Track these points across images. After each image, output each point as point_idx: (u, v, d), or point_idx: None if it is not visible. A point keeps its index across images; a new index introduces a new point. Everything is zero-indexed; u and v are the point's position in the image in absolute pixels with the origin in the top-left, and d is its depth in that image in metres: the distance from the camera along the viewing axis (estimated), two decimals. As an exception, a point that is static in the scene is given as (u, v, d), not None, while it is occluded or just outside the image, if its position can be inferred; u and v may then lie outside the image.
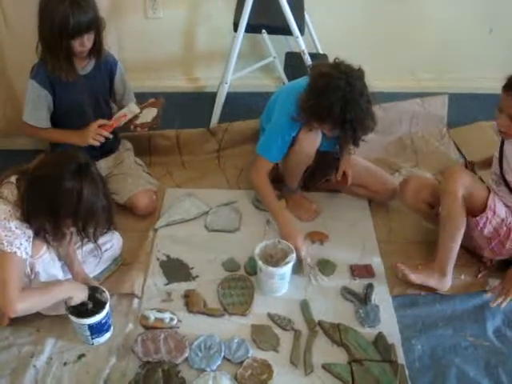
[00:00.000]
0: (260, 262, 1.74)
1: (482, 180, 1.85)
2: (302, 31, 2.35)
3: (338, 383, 1.56)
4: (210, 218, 2.09)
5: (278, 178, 2.14)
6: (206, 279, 1.86)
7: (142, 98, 2.20)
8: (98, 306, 1.59)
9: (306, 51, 2.40)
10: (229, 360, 1.59)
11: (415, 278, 1.79)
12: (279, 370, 1.58)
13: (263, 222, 2.09)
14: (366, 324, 1.71)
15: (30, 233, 1.46)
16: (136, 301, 1.76)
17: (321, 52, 2.70)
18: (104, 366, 1.57)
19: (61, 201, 1.41)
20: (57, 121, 2.00)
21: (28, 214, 1.43)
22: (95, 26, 1.83)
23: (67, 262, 1.69)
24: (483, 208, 1.74)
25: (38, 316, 1.65)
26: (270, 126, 2.00)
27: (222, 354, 1.60)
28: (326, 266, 1.91)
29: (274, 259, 1.82)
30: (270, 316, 1.74)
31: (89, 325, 1.57)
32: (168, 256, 1.94)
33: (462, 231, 1.74)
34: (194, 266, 1.91)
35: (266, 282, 1.78)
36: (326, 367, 1.59)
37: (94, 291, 1.62)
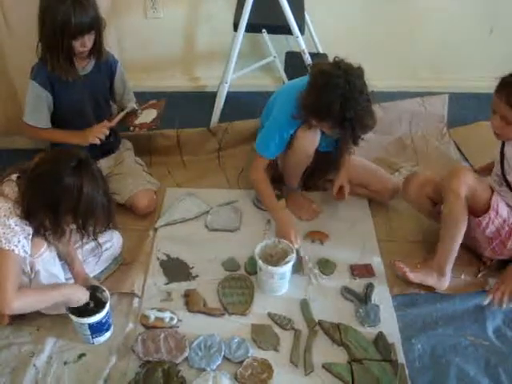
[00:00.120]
0: (260, 262, 1.74)
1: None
2: (302, 31, 2.35)
3: (338, 383, 1.56)
4: (210, 218, 2.09)
5: (278, 178, 2.14)
6: (206, 279, 1.86)
7: (141, 98, 2.21)
8: (99, 305, 1.59)
9: (306, 51, 2.40)
10: (229, 359, 1.59)
11: (414, 276, 1.80)
12: (279, 369, 1.58)
13: (263, 222, 2.09)
14: (366, 323, 1.71)
15: (29, 230, 1.46)
16: (136, 300, 1.76)
17: (321, 51, 2.70)
18: (104, 365, 1.57)
19: (61, 197, 1.41)
20: (57, 121, 2.00)
21: (28, 211, 1.44)
22: (96, 26, 1.83)
23: (67, 261, 1.69)
24: (486, 208, 1.74)
25: (38, 315, 1.65)
26: (268, 124, 2.01)
27: (222, 353, 1.60)
28: (326, 266, 1.91)
29: (274, 259, 1.82)
30: (270, 315, 1.74)
31: (89, 324, 1.57)
32: (168, 255, 1.94)
33: (463, 230, 1.74)
34: (194, 266, 1.91)
35: (266, 281, 1.78)
36: (326, 367, 1.59)
37: (94, 290, 1.62)
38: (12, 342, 1.62)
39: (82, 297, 1.57)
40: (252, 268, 1.87)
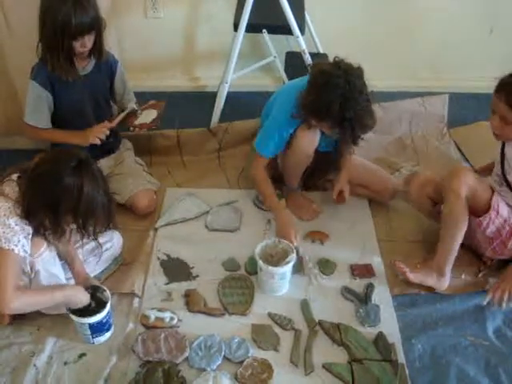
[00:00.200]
0: (260, 262, 1.74)
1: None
2: (302, 31, 2.35)
3: (338, 383, 1.56)
4: (210, 218, 2.09)
5: (278, 178, 2.14)
6: (206, 279, 1.86)
7: (142, 98, 2.21)
8: (100, 305, 1.59)
9: (306, 51, 2.41)
10: (229, 359, 1.60)
11: (413, 277, 1.80)
12: (279, 369, 1.58)
13: (264, 222, 2.09)
14: (367, 323, 1.71)
15: (29, 230, 1.46)
16: (136, 300, 1.77)
17: (321, 51, 2.70)
18: (104, 365, 1.57)
19: (61, 197, 1.41)
20: (57, 121, 2.00)
21: (28, 211, 1.44)
22: (96, 26, 1.83)
23: (68, 261, 1.69)
24: (486, 208, 1.74)
25: (38, 315, 1.65)
26: (267, 123, 2.01)
27: (223, 353, 1.60)
28: (326, 266, 1.91)
29: (275, 259, 1.82)
30: (271, 315, 1.74)
31: (89, 324, 1.57)
32: (168, 255, 1.95)
33: (463, 230, 1.74)
34: (195, 266, 1.91)
35: (267, 281, 1.78)
36: (327, 367, 1.59)
37: (95, 290, 1.63)
38: (12, 342, 1.62)
39: (82, 299, 1.57)
40: (252, 268, 1.87)
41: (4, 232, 1.41)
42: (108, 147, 2.13)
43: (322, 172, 2.20)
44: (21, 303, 1.45)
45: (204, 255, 1.94)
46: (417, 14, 2.74)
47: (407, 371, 1.58)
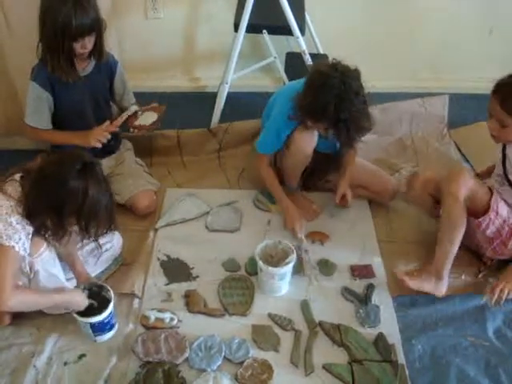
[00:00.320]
0: (260, 262, 1.74)
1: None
2: (302, 31, 2.35)
3: (338, 383, 1.56)
4: (210, 218, 2.09)
5: (278, 178, 2.14)
6: (206, 279, 1.86)
7: (142, 98, 2.21)
8: (103, 304, 1.60)
9: (306, 51, 2.40)
10: (229, 360, 1.60)
11: (412, 284, 1.77)
12: (279, 370, 1.58)
13: (264, 222, 2.09)
14: (367, 324, 1.71)
15: (30, 229, 1.46)
16: (136, 301, 1.76)
17: (321, 52, 2.70)
18: (104, 365, 1.57)
19: (65, 200, 1.42)
20: (57, 122, 2.00)
21: (31, 211, 1.44)
22: (97, 27, 1.83)
23: (69, 262, 1.69)
24: (485, 210, 1.74)
25: (38, 315, 1.65)
26: (268, 124, 2.03)
27: (223, 354, 1.60)
28: (326, 267, 1.91)
29: (275, 259, 1.82)
30: (271, 316, 1.74)
31: (91, 323, 1.57)
32: (168, 256, 1.94)
33: (462, 233, 1.74)
34: (195, 266, 1.91)
35: (267, 282, 1.78)
36: (327, 367, 1.59)
37: (99, 289, 1.63)
38: (12, 343, 1.62)
39: (81, 303, 1.57)
40: (252, 268, 1.87)
41: (5, 229, 1.41)
42: (109, 149, 2.12)
43: (321, 172, 2.20)
44: (18, 301, 1.45)
45: (204, 256, 1.94)
46: (417, 15, 2.73)
47: (407, 372, 1.58)
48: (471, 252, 1.92)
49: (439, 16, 2.74)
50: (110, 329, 1.64)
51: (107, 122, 2.00)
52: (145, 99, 2.19)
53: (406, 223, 2.10)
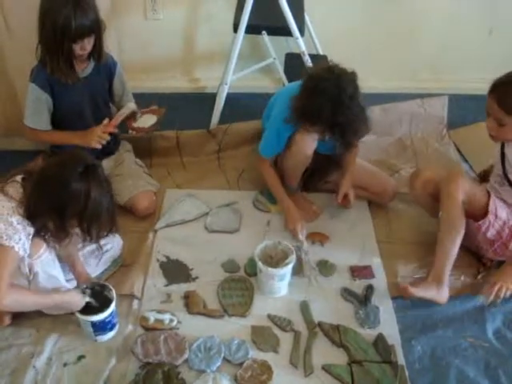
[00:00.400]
0: (260, 263, 1.74)
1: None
2: (302, 32, 2.35)
3: (337, 384, 1.56)
4: (209, 219, 2.09)
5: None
6: (205, 280, 1.86)
7: (141, 99, 2.21)
8: (105, 303, 1.60)
9: (306, 52, 2.40)
10: (229, 361, 1.60)
11: (414, 291, 1.75)
12: (279, 371, 1.58)
13: (263, 223, 2.09)
14: (366, 325, 1.71)
15: (30, 230, 1.46)
16: (136, 302, 1.76)
17: (321, 53, 2.70)
18: (104, 367, 1.57)
19: (68, 202, 1.42)
20: (56, 123, 2.00)
21: (32, 213, 1.44)
22: (96, 29, 1.83)
23: (69, 263, 1.69)
24: (484, 212, 1.74)
25: (38, 316, 1.66)
26: (268, 126, 2.03)
27: (222, 355, 1.60)
28: (326, 267, 1.91)
29: (274, 260, 1.82)
30: (270, 317, 1.74)
31: (92, 322, 1.57)
32: (168, 257, 1.94)
33: (461, 234, 1.74)
34: (194, 267, 1.91)
35: (266, 282, 1.78)
36: (326, 368, 1.59)
37: (102, 288, 1.63)
38: (12, 344, 1.62)
39: (78, 303, 1.57)
40: (252, 269, 1.87)
41: (6, 229, 1.41)
42: (107, 150, 2.12)
43: (322, 173, 2.20)
44: (13, 300, 1.44)
45: (203, 257, 1.94)
46: (416, 15, 2.73)
47: (407, 373, 1.58)
48: (471, 253, 1.92)
49: (439, 16, 2.74)
50: (111, 328, 1.64)
51: (106, 121, 1.99)
52: (144, 100, 2.20)
53: (406, 224, 2.10)
